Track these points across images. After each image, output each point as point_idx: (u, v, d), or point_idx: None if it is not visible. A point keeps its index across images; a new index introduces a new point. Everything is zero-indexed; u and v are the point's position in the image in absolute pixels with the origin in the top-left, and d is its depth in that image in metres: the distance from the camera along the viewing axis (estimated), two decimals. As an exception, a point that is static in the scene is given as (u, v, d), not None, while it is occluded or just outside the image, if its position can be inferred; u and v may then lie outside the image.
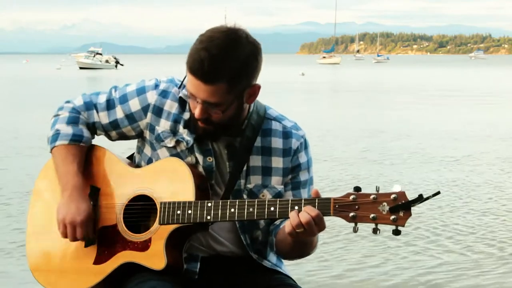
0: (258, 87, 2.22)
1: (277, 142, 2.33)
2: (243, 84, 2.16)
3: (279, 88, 29.24)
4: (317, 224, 2.06)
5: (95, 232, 2.29)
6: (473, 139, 13.18)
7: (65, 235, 2.27)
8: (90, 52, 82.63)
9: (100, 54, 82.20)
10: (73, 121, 2.37)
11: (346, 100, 25.32)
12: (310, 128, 13.98)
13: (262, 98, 2.37)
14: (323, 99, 26.61)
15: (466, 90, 31.53)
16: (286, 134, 2.34)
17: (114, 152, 2.40)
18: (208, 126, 2.21)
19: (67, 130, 2.35)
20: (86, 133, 2.37)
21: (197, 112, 2.18)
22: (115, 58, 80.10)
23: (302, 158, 2.35)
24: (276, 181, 2.33)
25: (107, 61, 78.28)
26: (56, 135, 2.35)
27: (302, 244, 2.22)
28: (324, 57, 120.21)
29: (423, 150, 11.60)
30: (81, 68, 72.29)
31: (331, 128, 14.88)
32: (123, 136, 2.41)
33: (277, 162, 2.32)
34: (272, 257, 2.44)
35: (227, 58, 2.10)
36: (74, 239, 2.27)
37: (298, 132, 2.36)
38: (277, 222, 2.35)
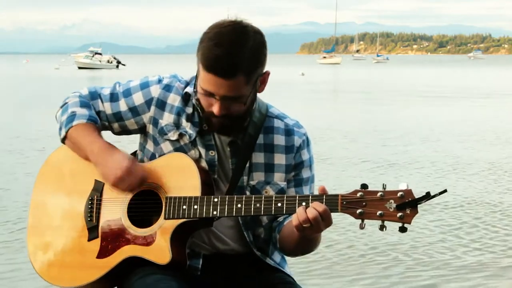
0: (268, 74, 2.26)
1: (279, 139, 2.35)
2: (257, 74, 2.19)
3: (279, 88, 29.32)
4: (324, 220, 2.08)
5: (144, 175, 2.26)
6: (497, 141, 12.74)
7: (126, 189, 2.26)
8: (90, 52, 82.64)
9: (100, 54, 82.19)
10: (85, 105, 2.38)
11: (351, 100, 25.00)
12: (335, 131, 13.83)
13: (263, 98, 2.38)
14: (327, 99, 26.47)
15: (469, 90, 31.39)
16: (289, 132, 2.36)
17: (119, 147, 2.39)
18: (225, 121, 2.22)
19: (83, 111, 2.36)
20: (98, 119, 2.38)
21: (216, 109, 2.18)
22: (115, 58, 79.99)
23: (305, 156, 2.37)
24: (278, 178, 2.34)
25: (109, 61, 78.15)
26: (72, 116, 2.35)
27: (306, 240, 2.23)
28: (324, 57, 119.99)
29: (452, 153, 11.20)
30: (80, 68, 72.27)
31: (349, 130, 14.45)
32: (125, 130, 2.42)
33: (280, 159, 2.34)
34: (276, 256, 2.45)
35: (242, 51, 2.12)
36: (130, 186, 2.25)
37: (300, 130, 2.38)
38: (280, 218, 2.36)
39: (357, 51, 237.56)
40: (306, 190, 2.37)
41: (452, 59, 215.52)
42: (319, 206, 2.07)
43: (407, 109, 20.65)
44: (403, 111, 19.71)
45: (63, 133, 2.36)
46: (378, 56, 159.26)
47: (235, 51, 2.11)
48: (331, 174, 9.12)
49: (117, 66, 76.08)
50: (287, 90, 30.05)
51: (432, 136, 13.49)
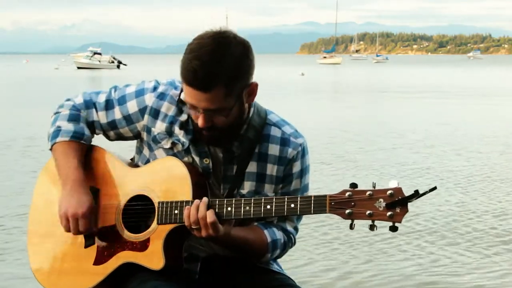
0: (255, 85, 2.21)
1: (273, 149, 2.32)
2: (240, 85, 2.15)
3: (279, 88, 29.16)
4: (205, 227, 2.13)
5: (97, 225, 2.29)
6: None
7: (68, 229, 2.26)
8: (90, 52, 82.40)
9: (99, 54, 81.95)
10: (74, 118, 2.38)
11: (356, 101, 24.55)
12: (347, 133, 13.53)
13: (262, 98, 2.35)
14: (332, 100, 26.16)
15: (473, 89, 31.37)
16: (284, 141, 2.33)
17: (113, 151, 2.41)
18: (213, 133, 2.21)
19: (68, 127, 2.36)
20: (86, 131, 2.38)
21: (200, 121, 2.17)
22: (115, 59, 79.64)
23: (296, 168, 2.34)
24: (268, 188, 2.33)
25: (112, 62, 77.73)
26: (57, 132, 2.36)
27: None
28: (324, 57, 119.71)
29: (482, 155, 10.77)
30: (79, 68, 72.13)
31: (363, 131, 14.00)
32: (120, 137, 2.42)
33: (272, 170, 2.32)
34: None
35: (219, 62, 2.08)
36: (77, 232, 2.26)
37: (296, 140, 2.34)
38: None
39: (357, 51, 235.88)
40: None
41: (452, 59, 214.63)
42: (210, 216, 2.12)
43: (419, 109, 20.30)
44: (417, 112, 19.33)
45: (49, 145, 2.38)
46: (377, 56, 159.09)
47: (212, 63, 2.08)
48: (357, 177, 8.89)
49: (118, 66, 75.77)
50: (287, 90, 29.94)
51: (455, 138, 13.04)
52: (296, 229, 2.40)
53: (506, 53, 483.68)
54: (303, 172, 2.36)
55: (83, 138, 2.36)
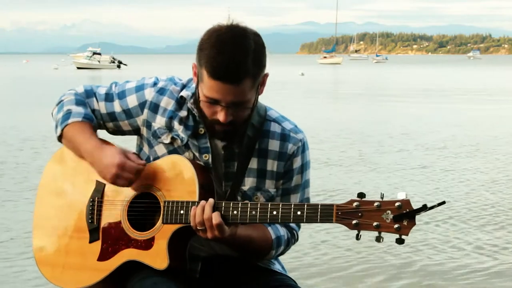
0: (267, 75, 2.24)
1: (273, 144, 2.32)
2: (261, 75, 2.19)
3: (279, 89, 29.28)
4: (210, 229, 2.11)
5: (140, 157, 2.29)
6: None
7: (121, 184, 2.23)
8: (89, 52, 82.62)
9: (99, 54, 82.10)
10: (81, 103, 2.37)
11: (358, 101, 24.42)
12: (352, 134, 13.49)
13: (262, 98, 2.33)
14: (336, 100, 26.11)
15: (475, 90, 31.36)
16: (284, 137, 2.33)
17: (119, 146, 2.37)
18: (232, 128, 2.21)
19: (78, 109, 2.34)
20: (94, 117, 2.37)
21: (222, 116, 2.16)
22: (114, 59, 79.75)
23: (296, 163, 2.34)
24: (269, 184, 2.32)
25: (112, 62, 77.90)
26: (68, 114, 2.33)
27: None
28: (325, 57, 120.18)
29: (498, 156, 10.73)
30: (78, 68, 72.36)
31: (373, 133, 13.79)
32: (119, 130, 2.41)
33: (272, 165, 2.32)
34: (274, 259, 2.43)
35: (246, 55, 2.11)
36: (128, 182, 2.22)
37: (296, 136, 2.34)
38: None
39: (357, 51, 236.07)
40: (294, 198, 2.36)
41: (452, 59, 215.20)
42: (216, 218, 2.10)
43: (424, 110, 20.14)
44: (422, 113, 19.15)
45: (58, 131, 2.35)
46: (377, 56, 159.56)
47: (240, 56, 2.10)
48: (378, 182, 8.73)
49: (118, 66, 75.82)
50: (287, 90, 30.00)
51: (467, 139, 12.86)
52: (298, 225, 2.40)
53: (506, 53, 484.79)
54: (304, 167, 2.36)
55: (93, 122, 2.36)
